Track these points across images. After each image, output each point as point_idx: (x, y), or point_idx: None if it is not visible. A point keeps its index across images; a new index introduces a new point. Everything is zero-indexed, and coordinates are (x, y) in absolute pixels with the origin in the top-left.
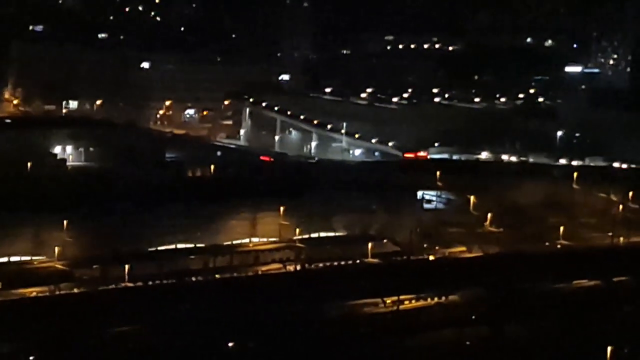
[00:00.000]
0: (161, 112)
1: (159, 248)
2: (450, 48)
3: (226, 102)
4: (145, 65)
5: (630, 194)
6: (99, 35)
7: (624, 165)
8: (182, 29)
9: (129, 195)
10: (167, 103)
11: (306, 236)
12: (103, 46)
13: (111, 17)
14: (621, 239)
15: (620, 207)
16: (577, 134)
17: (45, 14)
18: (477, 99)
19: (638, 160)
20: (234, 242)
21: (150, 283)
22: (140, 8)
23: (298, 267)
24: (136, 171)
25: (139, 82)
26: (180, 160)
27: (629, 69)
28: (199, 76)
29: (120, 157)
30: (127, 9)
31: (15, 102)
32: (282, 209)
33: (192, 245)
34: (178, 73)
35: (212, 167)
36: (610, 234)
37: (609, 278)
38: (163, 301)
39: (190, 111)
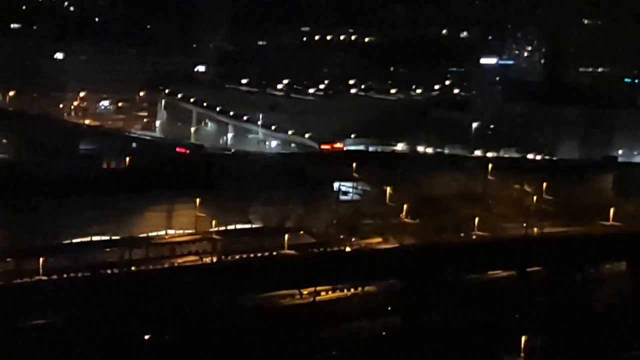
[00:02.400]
0: (75, 103)
1: (74, 240)
2: (367, 39)
3: (141, 94)
4: (59, 55)
5: (544, 185)
6: (12, 26)
7: (538, 157)
8: (97, 19)
9: (42, 187)
10: (82, 94)
11: (222, 228)
12: (16, 36)
13: (24, 7)
14: (535, 229)
15: (534, 198)
16: (491, 126)
17: None
18: (393, 91)
19: (551, 151)
20: (150, 234)
21: (65, 276)
22: None
23: (214, 259)
24: (50, 163)
25: (53, 73)
26: (94, 152)
27: (543, 61)
28: (114, 67)
29: (34, 149)
30: None
31: None
32: (198, 200)
33: (107, 238)
34: (92, 64)
35: (128, 158)
36: (524, 224)
37: (523, 268)
38: (78, 294)
39: (105, 102)
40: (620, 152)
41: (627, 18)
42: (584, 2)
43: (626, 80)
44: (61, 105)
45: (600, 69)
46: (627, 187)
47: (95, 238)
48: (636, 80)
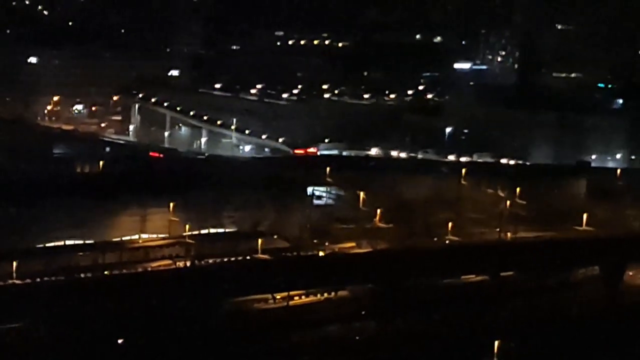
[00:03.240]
0: (49, 107)
1: (47, 245)
2: (340, 44)
3: (115, 98)
4: (33, 60)
5: (517, 189)
6: None
7: (511, 162)
8: (71, 23)
9: (15, 191)
10: (55, 98)
11: (196, 232)
12: None
13: None
14: (508, 234)
15: (508, 202)
16: (465, 130)
17: None
18: (366, 95)
19: (524, 156)
20: (124, 238)
21: (38, 280)
22: (27, 2)
23: (188, 264)
24: (23, 167)
25: (27, 77)
26: (68, 156)
27: (516, 66)
28: (88, 71)
29: (7, 153)
30: (13, 3)
31: None
32: (171, 205)
33: (81, 242)
34: (66, 68)
35: (101, 163)
36: (497, 229)
37: (496, 273)
38: (52, 298)
39: (79, 106)
40: (593, 157)
41: (601, 23)
42: (557, 8)
43: (600, 85)
44: (35, 110)
45: (573, 74)
46: (601, 192)
47: (69, 242)
48: (609, 86)
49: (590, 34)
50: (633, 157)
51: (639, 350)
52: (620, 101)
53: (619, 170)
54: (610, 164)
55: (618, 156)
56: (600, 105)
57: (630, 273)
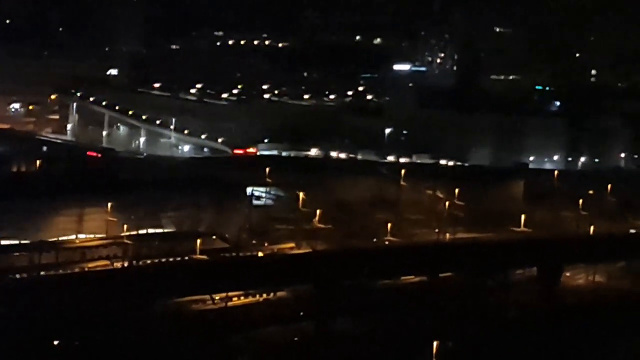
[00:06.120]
0: None
1: None
2: (280, 45)
3: (53, 97)
4: None
5: (456, 190)
6: None
7: (450, 163)
8: (8, 21)
9: None
10: None
11: (134, 233)
12: None
13: None
14: (447, 235)
15: (446, 203)
16: (404, 132)
17: None
18: (306, 96)
19: (463, 158)
20: (60, 238)
21: None
22: None
23: (125, 264)
24: None
25: None
26: (4, 155)
27: (455, 68)
28: (25, 70)
29: None
30: None
31: None
32: (109, 205)
33: (16, 242)
34: (2, 66)
35: (38, 162)
36: (436, 230)
37: (434, 274)
38: None
39: (16, 105)
40: (531, 158)
41: (539, 27)
42: (496, 11)
43: (537, 87)
44: None
45: (511, 77)
46: (538, 193)
47: (4, 242)
48: (547, 88)
49: (528, 37)
50: (570, 158)
51: (574, 350)
52: (558, 103)
53: (556, 172)
54: (548, 166)
55: (555, 158)
56: (538, 108)
57: (568, 274)
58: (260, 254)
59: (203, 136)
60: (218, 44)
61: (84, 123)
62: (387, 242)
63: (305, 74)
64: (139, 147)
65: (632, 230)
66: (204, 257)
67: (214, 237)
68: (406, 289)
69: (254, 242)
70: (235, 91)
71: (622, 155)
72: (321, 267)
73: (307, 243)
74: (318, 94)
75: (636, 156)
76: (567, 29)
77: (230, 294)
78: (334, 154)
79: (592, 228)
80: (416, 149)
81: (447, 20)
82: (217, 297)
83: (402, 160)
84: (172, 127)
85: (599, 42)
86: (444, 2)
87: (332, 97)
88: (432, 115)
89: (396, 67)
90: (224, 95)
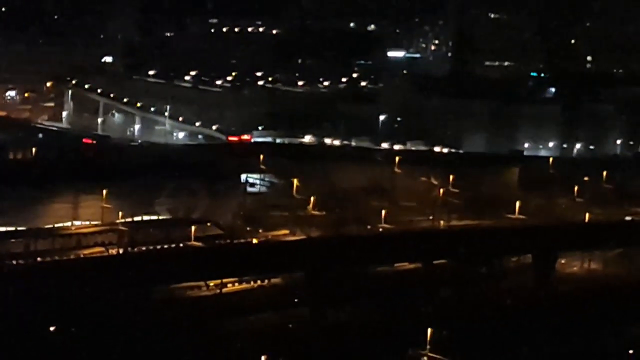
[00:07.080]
0: None
1: None
2: (274, 32)
3: (48, 84)
4: None
5: (451, 177)
6: None
7: (445, 150)
8: (3, 9)
9: None
10: None
11: (129, 219)
12: None
13: None
14: (441, 222)
15: (441, 190)
16: (399, 119)
17: None
18: (300, 83)
19: (458, 145)
20: (56, 225)
21: None
22: None
23: (121, 251)
24: None
25: None
26: (0, 143)
27: (449, 54)
28: (21, 58)
29: None
30: None
31: None
32: (104, 192)
33: (12, 228)
34: None
35: (34, 149)
36: (431, 217)
37: (429, 261)
38: None
39: (12, 93)
40: (526, 145)
41: (534, 13)
42: None
43: (532, 74)
44: None
45: (506, 63)
46: (533, 180)
47: (0, 229)
48: (542, 75)
49: (523, 23)
50: (565, 145)
51: (569, 337)
52: (553, 90)
53: (551, 159)
54: (543, 153)
55: (550, 144)
56: (533, 94)
57: (563, 261)
58: (254, 240)
59: (197, 123)
60: (212, 31)
61: (79, 110)
62: (381, 229)
63: (299, 60)
64: (133, 134)
65: (628, 217)
66: (199, 243)
67: (208, 224)
68: (401, 275)
69: (248, 228)
70: (229, 78)
71: (618, 142)
72: (315, 254)
73: (301, 230)
74: (312, 81)
75: (632, 143)
76: (562, 14)
77: (224, 280)
78: (328, 140)
79: (587, 215)
80: (410, 135)
81: (442, 7)
82: (211, 284)
83: (396, 147)
84: (166, 114)
85: (595, 29)
86: None
87: (326, 83)
88: (426, 102)
89: (390, 53)
90: (219, 82)
